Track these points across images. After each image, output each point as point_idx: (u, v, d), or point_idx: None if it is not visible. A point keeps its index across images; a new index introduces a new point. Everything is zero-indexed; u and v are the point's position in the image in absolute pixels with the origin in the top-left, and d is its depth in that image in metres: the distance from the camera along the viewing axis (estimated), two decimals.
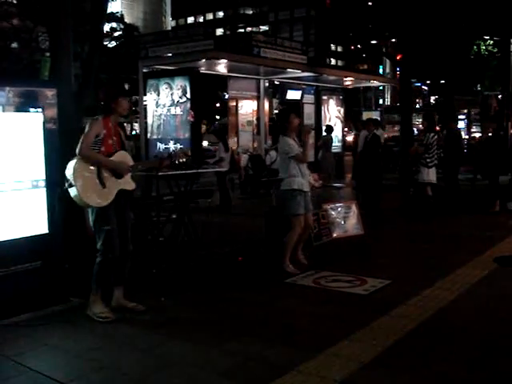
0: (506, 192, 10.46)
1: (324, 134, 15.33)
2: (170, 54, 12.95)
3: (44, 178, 4.98)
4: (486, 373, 3.67)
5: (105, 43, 28.53)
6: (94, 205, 4.57)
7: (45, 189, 4.99)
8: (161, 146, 9.34)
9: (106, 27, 30.07)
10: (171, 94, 9.32)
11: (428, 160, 9.29)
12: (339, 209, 7.50)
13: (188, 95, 9.06)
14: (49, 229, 5.06)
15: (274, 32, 59.52)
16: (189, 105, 9.06)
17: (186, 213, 7.18)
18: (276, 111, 17.95)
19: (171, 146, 9.43)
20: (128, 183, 4.80)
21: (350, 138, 18.00)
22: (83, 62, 8.05)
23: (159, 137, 9.55)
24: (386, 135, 22.11)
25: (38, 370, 3.73)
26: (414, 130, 17.71)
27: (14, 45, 26.05)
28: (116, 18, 34.09)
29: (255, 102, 15.27)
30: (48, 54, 9.57)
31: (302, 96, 16.40)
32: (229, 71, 13.80)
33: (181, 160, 5.48)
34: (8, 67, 22.29)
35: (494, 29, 23.05)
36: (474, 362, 3.81)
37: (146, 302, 4.98)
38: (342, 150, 17.04)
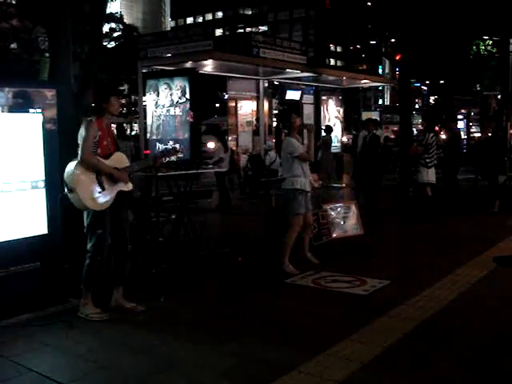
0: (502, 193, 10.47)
1: (323, 134, 15.33)
2: (170, 55, 12.96)
3: (43, 178, 4.98)
4: (486, 373, 3.67)
5: (104, 44, 28.49)
6: (96, 208, 4.57)
7: (44, 189, 4.99)
8: (160, 147, 9.31)
9: (106, 28, 30.02)
10: (170, 95, 9.30)
11: (427, 160, 9.29)
12: (339, 209, 7.50)
13: (187, 96, 9.05)
14: (48, 229, 5.05)
15: (273, 32, 59.52)
16: (188, 105, 9.04)
17: (186, 213, 7.18)
18: (275, 111, 17.96)
19: (170, 146, 9.42)
20: (125, 184, 4.81)
21: (345, 139, 17.97)
22: (83, 63, 8.06)
23: (159, 137, 9.52)
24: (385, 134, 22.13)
25: (37, 370, 3.72)
26: (413, 130, 17.73)
27: (14, 45, 26.04)
28: (115, 18, 34.03)
29: (255, 103, 15.27)
30: (47, 55, 9.57)
31: (302, 96, 16.39)
32: (228, 71, 13.80)
33: (172, 158, 5.50)
34: (7, 68, 22.27)
35: (494, 29, 23.06)
36: (474, 362, 3.81)
37: (146, 303, 4.99)
38: (341, 151, 17.03)
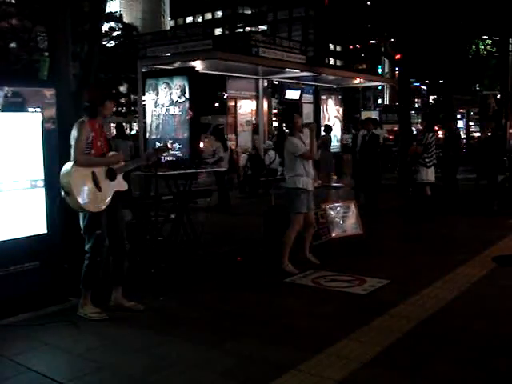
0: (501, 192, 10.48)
1: (323, 133, 15.32)
2: (169, 54, 12.94)
3: (43, 177, 4.98)
4: (486, 372, 3.67)
5: (103, 43, 28.47)
6: (94, 210, 4.57)
7: (43, 189, 4.99)
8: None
9: (105, 27, 30.01)
10: (170, 94, 9.30)
11: (427, 160, 9.29)
12: (338, 208, 7.50)
13: (187, 95, 9.04)
14: (47, 229, 5.05)
15: (272, 32, 59.55)
16: (188, 104, 9.03)
17: (185, 212, 7.18)
18: (275, 111, 17.94)
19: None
20: (120, 184, 4.83)
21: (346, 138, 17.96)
22: (82, 62, 8.05)
23: (158, 137, 9.52)
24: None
25: (36, 369, 3.72)
26: (412, 130, 17.73)
27: (13, 45, 26.01)
28: (115, 17, 33.99)
29: (254, 102, 15.26)
30: (47, 54, 9.56)
31: (301, 96, 16.39)
32: (227, 71, 13.77)
33: (164, 154, 5.50)
34: (7, 67, 22.25)
35: (493, 28, 23.05)
36: (474, 362, 3.81)
37: (145, 302, 4.99)
38: (340, 150, 17.02)
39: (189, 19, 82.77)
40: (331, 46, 70.37)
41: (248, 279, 5.96)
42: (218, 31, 58.39)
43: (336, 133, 16.48)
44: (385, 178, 13.18)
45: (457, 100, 28.53)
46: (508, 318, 4.71)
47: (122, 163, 4.86)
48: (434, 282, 5.65)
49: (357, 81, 16.38)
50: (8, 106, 5.06)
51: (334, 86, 16.41)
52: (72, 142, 4.57)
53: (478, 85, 33.79)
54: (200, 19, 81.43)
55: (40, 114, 5.03)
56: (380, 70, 60.95)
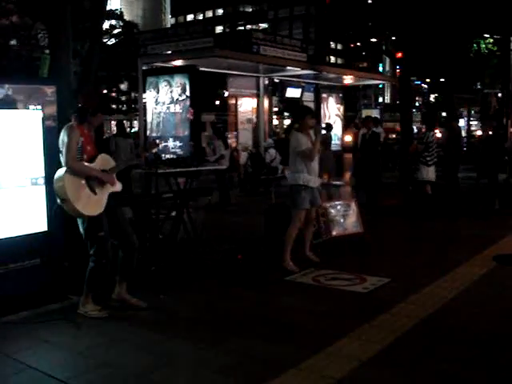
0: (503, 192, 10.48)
1: (323, 132, 15.31)
2: (170, 52, 12.93)
3: (43, 175, 4.97)
4: (486, 371, 3.67)
5: (104, 40, 28.46)
6: (92, 214, 4.55)
7: (44, 186, 4.98)
8: (160, 144, 9.30)
9: (106, 24, 29.98)
10: (171, 92, 9.29)
11: (428, 158, 9.28)
12: (338, 207, 7.49)
13: (187, 93, 9.03)
14: (48, 226, 5.05)
15: (273, 30, 59.50)
16: (188, 102, 9.02)
17: (186, 210, 7.17)
18: (276, 109, 17.91)
19: (170, 143, 9.41)
20: (115, 185, 4.79)
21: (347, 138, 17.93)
22: (82, 60, 8.05)
23: (158, 134, 9.51)
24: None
25: (37, 367, 3.73)
26: (413, 128, 17.70)
27: (13, 42, 26.00)
28: (115, 15, 33.99)
29: (255, 100, 15.24)
30: (47, 52, 9.55)
31: (302, 94, 16.37)
32: (228, 69, 13.75)
33: (153, 150, 5.47)
34: (7, 64, 22.24)
35: (494, 27, 23.03)
36: (474, 361, 3.81)
37: (146, 300, 4.97)
38: (341, 149, 17.02)
39: (189, 17, 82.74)
40: (332, 44, 70.30)
41: (248, 277, 5.95)
42: (219, 29, 58.38)
43: (337, 131, 16.46)
44: (385, 176, 13.17)
45: (457, 99, 28.52)
46: (508, 317, 4.70)
47: (113, 164, 4.81)
48: (434, 280, 5.65)
49: (357, 79, 16.36)
50: (8, 103, 5.06)
51: (339, 85, 16.38)
52: (62, 148, 4.49)
53: (479, 83, 33.74)
54: (201, 17, 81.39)
55: (41, 111, 5.03)
56: (381, 69, 60.91)
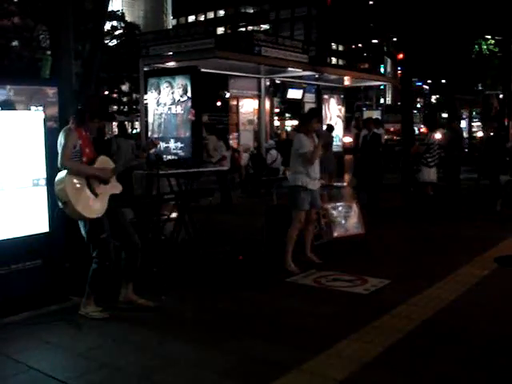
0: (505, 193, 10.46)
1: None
2: (171, 53, 12.93)
3: (45, 176, 4.97)
4: (486, 373, 3.67)
5: (106, 42, 28.50)
6: (93, 216, 4.55)
7: (45, 187, 4.98)
8: (162, 145, 9.33)
9: (107, 26, 30.04)
10: (172, 93, 9.31)
11: (429, 160, 9.28)
12: (340, 208, 7.49)
13: (189, 94, 9.05)
14: (49, 227, 5.05)
15: (275, 31, 59.50)
16: (190, 103, 9.04)
17: (187, 212, 7.17)
18: (277, 110, 17.90)
19: (172, 144, 9.43)
20: (115, 187, 4.80)
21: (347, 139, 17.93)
22: (84, 61, 8.05)
23: (160, 135, 9.54)
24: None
25: (38, 368, 3.73)
26: (415, 130, 17.70)
27: (15, 43, 26.03)
28: (117, 16, 34.03)
29: (256, 101, 15.26)
30: (49, 53, 9.56)
31: (303, 95, 16.38)
32: (230, 70, 13.78)
33: (151, 150, 5.46)
34: (9, 65, 22.27)
35: (496, 28, 23.02)
36: (474, 362, 3.80)
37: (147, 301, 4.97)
38: (342, 150, 17.02)
39: (191, 18, 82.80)
40: (333, 46, 70.29)
41: (249, 278, 5.94)
42: (220, 30, 58.33)
43: (338, 132, 16.46)
44: (386, 177, 13.14)
45: (459, 100, 28.51)
46: (509, 318, 4.70)
47: (112, 165, 4.80)
48: (435, 282, 5.65)
49: (358, 81, 16.36)
50: (10, 104, 5.07)
51: (340, 86, 16.39)
52: (59, 150, 4.51)
53: (480, 85, 33.74)
54: (202, 18, 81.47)
55: (42, 112, 5.03)
56: (382, 70, 60.90)
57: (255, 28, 63.35)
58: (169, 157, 9.03)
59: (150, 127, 9.82)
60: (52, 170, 4.96)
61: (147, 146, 5.25)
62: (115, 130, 21.79)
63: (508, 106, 22.25)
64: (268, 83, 15.62)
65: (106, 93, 35.36)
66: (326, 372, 3.61)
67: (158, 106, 9.56)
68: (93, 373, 3.69)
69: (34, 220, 4.95)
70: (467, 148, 21.42)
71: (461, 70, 25.80)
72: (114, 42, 34.24)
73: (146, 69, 10.97)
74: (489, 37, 26.99)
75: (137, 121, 37.48)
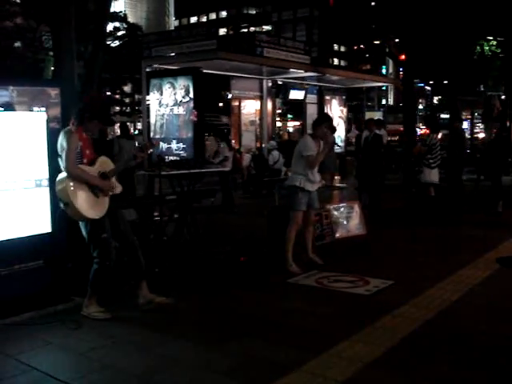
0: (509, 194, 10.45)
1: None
2: (173, 54, 12.96)
3: (47, 177, 4.99)
4: (487, 373, 3.66)
5: (108, 43, 28.51)
6: (95, 217, 4.56)
7: (48, 188, 5.00)
8: (164, 146, 9.34)
9: (109, 27, 30.05)
10: (174, 94, 9.32)
11: (431, 161, 9.28)
12: (342, 209, 7.49)
13: (191, 95, 9.06)
14: (52, 228, 5.06)
15: (277, 32, 59.53)
16: (192, 104, 9.05)
17: (189, 212, 7.18)
18: (279, 111, 17.91)
19: (174, 145, 9.44)
20: (116, 187, 4.80)
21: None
22: (86, 62, 8.07)
23: (162, 136, 9.54)
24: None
25: (40, 369, 3.73)
26: (417, 131, 17.70)
27: (18, 44, 26.08)
28: (119, 17, 34.08)
29: (258, 102, 15.26)
30: (51, 54, 9.58)
31: (305, 96, 16.38)
32: (232, 71, 13.80)
33: (150, 151, 5.46)
34: (11, 66, 22.31)
35: (498, 29, 23.00)
36: (476, 362, 3.80)
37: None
38: (344, 150, 17.02)
39: (193, 19, 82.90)
40: (335, 47, 70.30)
41: (251, 279, 5.95)
42: (223, 31, 58.37)
43: (340, 133, 16.45)
44: (388, 178, 13.15)
45: (461, 101, 28.48)
46: (510, 318, 4.69)
47: (112, 166, 4.81)
48: (437, 282, 5.64)
49: (360, 81, 16.35)
50: (13, 105, 5.08)
51: (342, 87, 16.39)
52: (61, 153, 4.50)
53: (482, 86, 33.71)
54: (204, 19, 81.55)
55: (45, 113, 5.04)
56: (384, 71, 60.89)
57: (257, 29, 63.39)
58: (171, 157, 9.03)
59: (152, 128, 9.83)
60: (54, 170, 4.98)
61: (145, 146, 5.25)
62: (117, 130, 21.83)
63: (510, 107, 22.23)
64: (270, 84, 15.63)
65: (109, 93, 35.41)
66: (327, 373, 3.61)
67: (160, 106, 9.57)
68: (94, 373, 3.69)
69: (36, 220, 4.96)
70: (469, 149, 21.39)
71: (463, 71, 25.77)
72: (117, 43, 34.29)
73: (148, 70, 10.98)
74: (491, 38, 26.97)
75: (139, 122, 37.53)
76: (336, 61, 67.71)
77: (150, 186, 9.12)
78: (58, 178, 4.53)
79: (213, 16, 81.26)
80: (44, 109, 5.04)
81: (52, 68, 6.82)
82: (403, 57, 17.00)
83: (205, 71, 10.30)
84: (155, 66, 11.49)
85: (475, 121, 31.84)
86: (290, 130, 33.42)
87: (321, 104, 16.58)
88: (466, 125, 28.75)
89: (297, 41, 20.29)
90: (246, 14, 77.39)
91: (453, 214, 9.86)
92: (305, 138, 6.47)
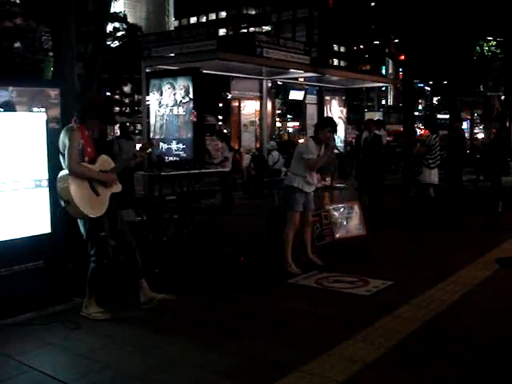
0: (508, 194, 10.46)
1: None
2: (173, 54, 12.96)
3: (47, 177, 4.98)
4: (488, 374, 3.67)
5: (108, 43, 28.51)
6: (95, 215, 4.56)
7: (48, 188, 4.99)
8: (163, 146, 9.34)
9: (109, 27, 30.05)
10: (174, 94, 9.32)
11: (430, 161, 9.28)
12: (341, 209, 7.49)
13: (191, 95, 9.06)
14: (51, 228, 5.06)
15: (276, 32, 59.55)
16: (191, 105, 9.05)
17: (189, 213, 7.18)
18: (279, 111, 17.91)
19: (174, 146, 9.45)
20: (116, 186, 4.81)
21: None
22: (86, 62, 8.07)
23: (162, 137, 9.55)
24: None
25: (40, 369, 3.73)
26: (416, 131, 17.71)
27: (17, 44, 26.07)
28: (119, 17, 34.08)
29: (258, 103, 15.27)
30: (51, 54, 9.58)
31: (305, 96, 16.39)
32: (232, 71, 13.80)
33: (148, 150, 5.47)
34: (11, 67, 22.30)
35: (498, 29, 23.00)
36: (477, 363, 3.80)
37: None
38: (344, 151, 17.02)
39: (193, 19, 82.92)
40: (335, 47, 70.34)
41: (251, 280, 5.96)
42: (222, 32, 58.43)
43: (339, 134, 16.45)
44: (388, 178, 13.15)
45: (460, 101, 28.48)
46: (510, 319, 4.70)
47: (113, 165, 4.82)
48: (437, 283, 5.65)
49: (360, 82, 16.35)
50: (12, 106, 5.08)
51: (342, 87, 16.38)
52: (63, 150, 4.51)
53: (482, 86, 33.72)
54: (204, 19, 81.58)
55: (44, 113, 5.04)
56: (384, 71, 60.91)
57: (257, 29, 63.43)
58: (171, 158, 9.03)
59: (151, 128, 9.83)
60: (54, 171, 4.98)
61: (143, 146, 5.26)
62: (117, 131, 21.83)
63: (510, 108, 22.23)
64: (270, 84, 15.64)
65: (108, 94, 35.44)
66: (327, 373, 3.61)
67: (159, 107, 9.58)
68: (95, 374, 3.69)
69: (36, 221, 4.96)
70: (469, 149, 21.40)
71: (462, 72, 25.78)
72: (116, 43, 34.29)
73: (147, 70, 10.99)
74: (490, 38, 26.98)
75: (139, 122, 37.53)
76: (336, 61, 67.75)
77: (149, 186, 9.13)
78: (59, 176, 4.54)
79: (212, 16, 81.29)
80: (44, 109, 5.03)
81: (52, 69, 6.81)
82: (402, 57, 17.00)
83: (204, 72, 10.30)
84: (155, 66, 11.50)
85: (475, 120, 31.83)
86: (290, 130, 33.41)
87: (320, 104, 16.59)
88: (465, 125, 28.75)
89: (296, 41, 20.29)
90: (245, 15, 77.42)
91: (452, 215, 9.86)
92: (306, 140, 6.48)
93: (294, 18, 68.35)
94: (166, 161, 8.26)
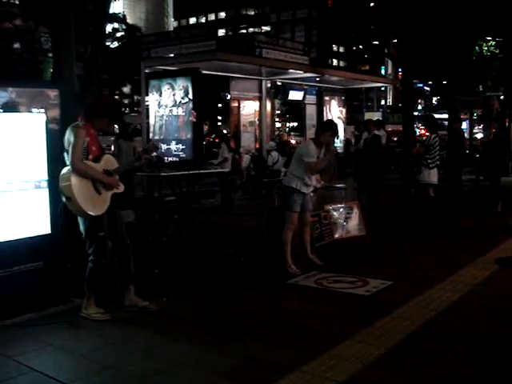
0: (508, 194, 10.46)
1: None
2: (172, 55, 12.97)
3: (46, 178, 4.98)
4: (488, 374, 3.67)
5: (107, 44, 28.54)
6: (96, 213, 4.56)
7: (47, 189, 4.99)
8: (163, 147, 9.33)
9: (108, 28, 30.07)
10: (173, 95, 9.31)
11: (429, 161, 9.28)
12: (341, 209, 7.50)
13: (190, 96, 9.05)
14: (51, 229, 5.06)
15: (275, 33, 59.57)
16: (191, 105, 9.04)
17: (189, 213, 7.18)
18: (278, 112, 17.92)
19: (173, 146, 9.44)
20: (118, 187, 4.80)
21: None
22: (85, 63, 8.07)
23: (161, 137, 9.54)
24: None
25: (40, 370, 3.73)
26: (416, 131, 17.71)
27: (17, 45, 26.09)
28: (118, 18, 34.12)
29: (257, 103, 15.28)
30: (50, 55, 9.58)
31: (304, 96, 16.40)
32: (231, 72, 13.82)
33: (153, 154, 5.47)
34: (11, 68, 22.32)
35: (497, 29, 23.00)
36: (476, 363, 3.80)
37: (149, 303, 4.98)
38: (343, 151, 17.02)
39: (192, 20, 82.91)
40: (334, 47, 70.34)
41: (251, 280, 5.96)
42: (222, 32, 58.42)
43: (339, 134, 16.44)
44: (387, 178, 13.15)
45: (460, 101, 28.49)
46: (510, 319, 4.70)
47: (117, 165, 4.82)
48: (437, 283, 5.65)
49: (359, 82, 16.35)
50: (12, 107, 5.08)
51: (341, 87, 16.37)
52: (68, 148, 4.51)
53: (481, 86, 33.73)
54: (203, 20, 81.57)
55: (44, 114, 5.04)
56: (383, 71, 60.93)
57: (256, 30, 63.44)
58: (170, 159, 9.02)
59: (151, 129, 9.82)
60: (53, 172, 4.98)
61: (149, 148, 5.26)
62: (116, 131, 21.83)
63: (509, 108, 22.23)
64: (269, 85, 15.64)
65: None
66: (327, 373, 3.61)
67: (159, 107, 9.57)
68: (94, 375, 3.69)
69: (35, 222, 4.96)
70: (468, 149, 21.42)
71: (462, 72, 25.79)
72: (116, 43, 34.31)
73: (147, 71, 10.99)
74: (490, 38, 26.99)
75: (138, 123, 37.51)
76: (335, 61, 67.77)
77: (149, 187, 9.12)
78: (62, 172, 4.54)
79: (212, 17, 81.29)
80: (43, 110, 5.03)
81: (51, 69, 6.81)
82: (402, 57, 16.97)
83: (204, 72, 10.29)
84: (154, 66, 11.50)
85: (476, 123, 31.86)
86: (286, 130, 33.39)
87: (320, 105, 16.59)
88: (464, 125, 28.76)
89: (296, 41, 20.30)
90: (244, 15, 77.42)
91: (452, 215, 9.86)
92: (307, 142, 6.49)
93: (294, 19, 68.35)
94: (166, 161, 8.25)
